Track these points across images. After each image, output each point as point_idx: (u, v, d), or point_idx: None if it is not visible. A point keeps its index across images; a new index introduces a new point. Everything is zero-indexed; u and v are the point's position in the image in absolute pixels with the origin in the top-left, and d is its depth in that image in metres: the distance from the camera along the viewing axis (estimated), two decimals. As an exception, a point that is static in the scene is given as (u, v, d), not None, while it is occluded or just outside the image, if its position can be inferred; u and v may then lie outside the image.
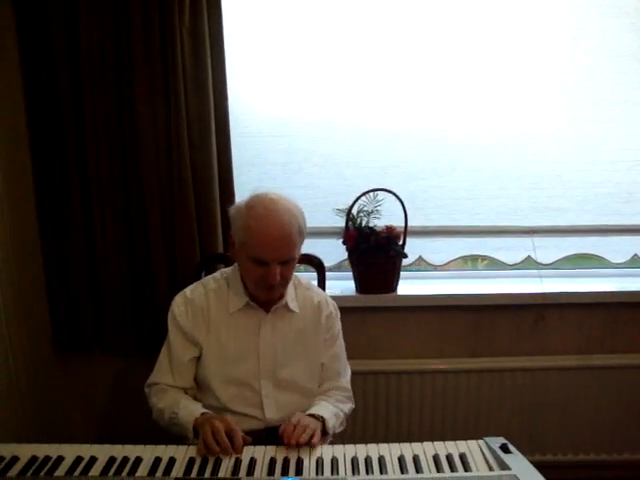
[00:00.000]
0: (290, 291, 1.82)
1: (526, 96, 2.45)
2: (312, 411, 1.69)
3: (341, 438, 2.46)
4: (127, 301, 2.37)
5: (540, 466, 2.42)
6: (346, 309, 2.38)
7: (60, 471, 1.40)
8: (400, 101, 2.46)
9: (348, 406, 1.88)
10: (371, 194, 2.37)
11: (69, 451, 1.48)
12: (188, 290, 1.83)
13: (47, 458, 1.46)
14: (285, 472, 1.37)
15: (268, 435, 1.71)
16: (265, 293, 1.72)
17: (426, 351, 2.52)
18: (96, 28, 2.15)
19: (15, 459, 1.45)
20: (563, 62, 2.43)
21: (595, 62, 2.42)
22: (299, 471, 1.37)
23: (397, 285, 2.46)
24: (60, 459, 1.45)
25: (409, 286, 2.52)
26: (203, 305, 1.78)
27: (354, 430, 2.51)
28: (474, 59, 2.43)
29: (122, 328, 2.39)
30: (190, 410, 1.65)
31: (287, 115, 2.46)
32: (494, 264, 2.65)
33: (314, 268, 2.20)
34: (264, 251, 1.62)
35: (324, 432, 1.66)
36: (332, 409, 1.76)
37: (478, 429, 2.52)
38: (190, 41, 2.16)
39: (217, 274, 1.88)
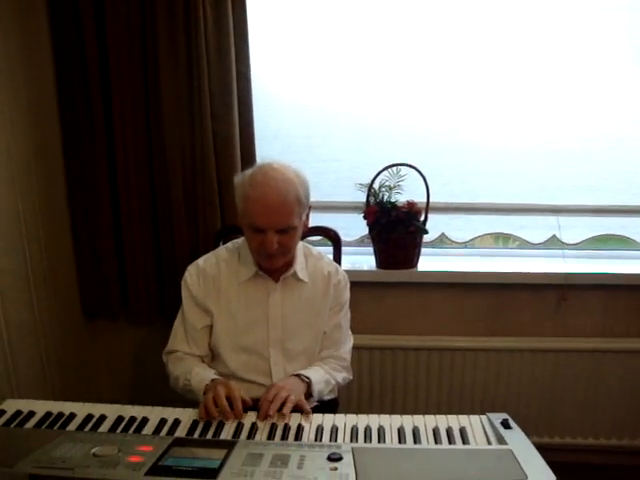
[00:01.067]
0: (300, 260, 1.83)
1: (555, 71, 2.38)
2: (301, 372, 1.72)
3: (353, 412, 2.49)
4: (150, 269, 2.43)
5: (559, 449, 2.45)
6: (365, 284, 2.41)
7: (71, 426, 1.46)
8: (425, 76, 2.42)
9: (342, 375, 1.88)
10: (393, 169, 2.36)
11: (81, 409, 1.54)
12: (201, 260, 1.86)
13: (60, 414, 1.51)
14: (285, 437, 1.39)
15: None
16: (266, 262, 1.73)
17: (445, 328, 2.51)
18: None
19: (31, 414, 1.52)
20: (594, 37, 2.35)
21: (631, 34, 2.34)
22: (298, 437, 1.39)
23: (417, 261, 2.45)
24: (72, 416, 1.51)
25: (431, 263, 2.51)
26: (215, 274, 1.81)
27: (371, 405, 2.54)
28: (505, 34, 2.37)
29: (146, 295, 2.46)
30: (201, 377, 1.69)
31: (311, 88, 2.46)
32: (523, 244, 2.60)
33: (330, 241, 2.20)
34: (259, 218, 1.63)
35: (309, 394, 1.68)
36: (323, 374, 1.77)
37: (495, 409, 2.47)
38: (213, 11, 2.17)
39: (230, 244, 1.90)
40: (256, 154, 2.33)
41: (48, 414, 1.51)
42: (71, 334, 2.46)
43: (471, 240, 2.59)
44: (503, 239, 2.68)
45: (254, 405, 1.54)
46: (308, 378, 1.69)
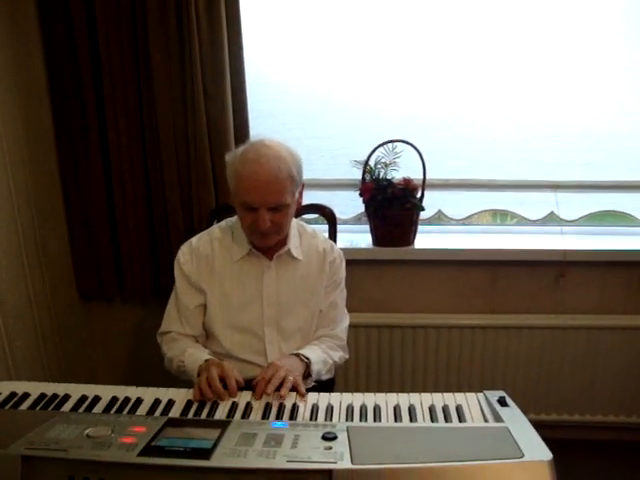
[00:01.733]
0: (294, 239, 1.81)
1: (552, 44, 2.34)
2: (300, 351, 1.71)
3: (350, 390, 2.48)
4: (145, 250, 2.43)
5: (556, 426, 2.46)
6: (362, 262, 2.40)
7: (65, 407, 1.45)
8: (420, 49, 2.39)
9: (339, 354, 1.87)
10: (389, 145, 2.34)
11: (75, 390, 1.53)
12: (194, 239, 1.84)
13: (54, 396, 1.50)
14: (280, 417, 1.38)
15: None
16: (259, 240, 1.71)
17: (443, 306, 2.50)
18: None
19: (26, 395, 1.51)
20: (592, 10, 2.31)
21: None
22: (293, 416, 1.38)
23: (414, 238, 2.44)
24: (66, 397, 1.50)
25: (428, 240, 2.49)
26: (208, 253, 1.79)
27: (368, 384, 2.54)
28: (501, 9, 2.33)
29: (140, 276, 2.46)
30: (195, 358, 1.67)
31: (305, 65, 2.42)
32: (521, 220, 2.58)
33: (325, 219, 2.18)
34: (252, 196, 1.61)
35: (308, 374, 1.67)
36: (321, 354, 1.76)
37: (494, 387, 2.45)
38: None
39: (223, 223, 1.88)
40: (250, 133, 2.30)
41: (42, 395, 1.50)
42: (67, 315, 2.46)
43: (468, 217, 2.57)
44: (501, 216, 2.66)
45: (248, 385, 1.53)
46: (307, 358, 1.67)
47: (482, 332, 2.46)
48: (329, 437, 1.18)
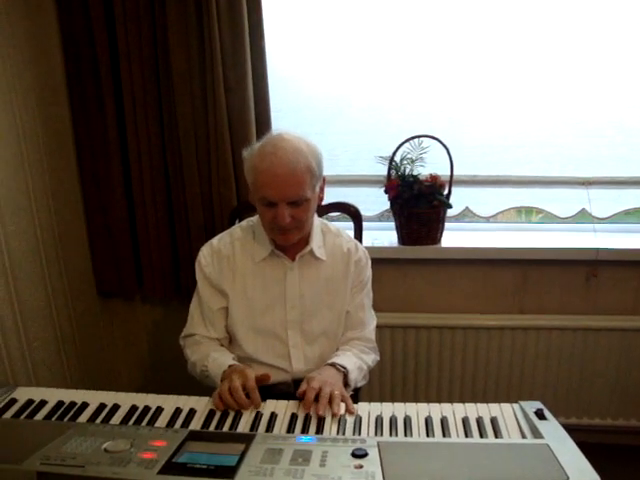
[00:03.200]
0: (317, 238, 1.75)
1: (587, 36, 2.25)
2: (335, 360, 1.63)
3: (375, 391, 2.46)
4: (165, 248, 2.38)
5: (587, 430, 2.38)
6: (387, 261, 2.34)
7: (83, 417, 1.40)
8: (447, 43, 2.31)
9: (372, 357, 1.81)
10: (416, 141, 2.26)
11: (93, 397, 1.48)
12: (215, 240, 1.78)
13: (72, 404, 1.46)
14: (305, 429, 1.32)
15: (296, 386, 1.65)
16: (279, 237, 1.65)
17: (470, 306, 2.43)
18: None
19: (43, 403, 1.47)
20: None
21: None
22: (320, 429, 1.32)
23: (441, 237, 2.37)
24: (84, 405, 1.45)
25: (454, 238, 2.42)
26: (229, 254, 1.73)
27: (392, 385, 2.48)
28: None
29: (161, 274, 2.42)
30: (219, 363, 1.62)
31: (329, 58, 2.36)
32: (547, 217, 2.50)
33: (350, 217, 2.12)
34: (270, 190, 1.55)
35: (345, 384, 1.60)
36: (355, 361, 1.69)
37: (522, 390, 2.44)
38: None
39: (244, 223, 1.82)
40: (272, 128, 2.23)
41: (60, 403, 1.46)
42: (86, 315, 2.42)
43: (494, 215, 2.48)
44: (526, 212, 2.58)
45: (267, 390, 1.49)
46: (345, 368, 1.61)
47: (511, 333, 2.38)
48: (359, 454, 1.13)
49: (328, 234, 1.80)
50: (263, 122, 2.22)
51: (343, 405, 1.42)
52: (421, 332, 2.41)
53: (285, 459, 1.12)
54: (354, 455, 1.12)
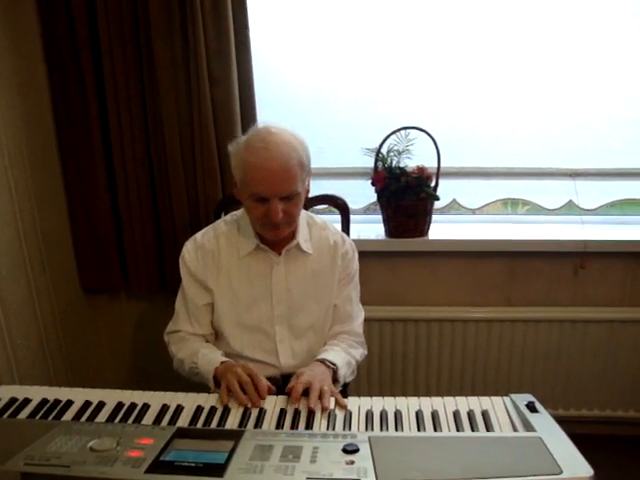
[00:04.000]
0: (303, 231, 1.73)
1: (572, 28, 2.23)
2: (325, 356, 1.62)
3: (363, 385, 2.45)
4: (150, 242, 2.35)
5: (575, 421, 2.38)
6: (375, 253, 2.33)
7: (68, 415, 1.38)
8: (433, 33, 2.28)
9: (360, 352, 1.80)
10: (402, 133, 2.24)
11: (78, 395, 1.46)
12: (199, 235, 1.75)
13: (56, 402, 1.43)
14: (295, 425, 1.30)
15: (284, 382, 1.63)
16: (270, 233, 1.62)
17: (458, 298, 2.42)
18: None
19: (27, 401, 1.44)
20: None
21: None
22: (309, 424, 1.30)
23: (429, 229, 2.35)
24: (69, 403, 1.43)
25: (442, 230, 2.41)
26: (213, 249, 1.71)
27: (381, 379, 2.47)
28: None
29: (146, 269, 2.39)
30: (209, 359, 1.60)
31: (314, 49, 2.32)
32: (534, 209, 2.49)
33: (338, 210, 2.10)
34: (263, 186, 1.52)
35: (334, 380, 1.59)
36: (344, 356, 1.68)
37: (511, 382, 2.43)
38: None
39: (228, 217, 1.79)
40: (257, 120, 2.20)
41: (44, 401, 1.43)
42: (70, 311, 2.39)
43: (481, 207, 2.47)
44: (512, 204, 2.57)
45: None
46: (334, 364, 1.59)
47: (499, 325, 2.38)
48: (350, 450, 1.11)
49: (314, 227, 1.78)
50: (248, 115, 2.18)
51: (333, 400, 1.41)
52: (409, 325, 2.39)
53: (275, 455, 1.10)
54: (345, 451, 1.11)
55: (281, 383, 1.64)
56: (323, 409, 1.36)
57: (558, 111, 2.31)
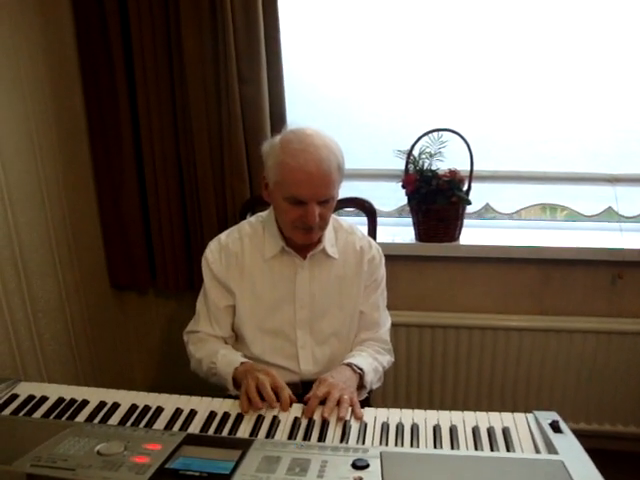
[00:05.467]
0: (329, 235, 1.69)
1: (611, 27, 2.14)
2: (352, 360, 1.58)
3: (389, 392, 2.39)
4: (178, 241, 2.34)
5: (607, 437, 2.29)
6: (403, 257, 2.29)
7: (81, 417, 1.37)
8: (469, 34, 2.22)
9: (387, 359, 1.75)
10: (435, 134, 2.19)
11: (94, 395, 1.45)
12: (223, 235, 1.73)
13: (72, 401, 1.43)
14: (308, 436, 1.26)
15: (305, 389, 1.60)
16: (303, 236, 1.58)
17: (489, 305, 2.35)
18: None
19: (44, 399, 1.44)
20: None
21: None
22: (322, 435, 1.26)
23: (460, 234, 2.30)
24: (84, 403, 1.42)
25: (474, 235, 2.34)
26: (237, 251, 1.68)
27: (407, 386, 2.43)
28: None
29: (174, 268, 2.38)
30: (229, 360, 1.57)
31: (346, 48, 2.29)
32: (570, 215, 2.41)
33: (365, 213, 2.05)
34: (301, 189, 1.48)
35: (361, 385, 1.55)
36: (371, 362, 1.63)
37: (540, 395, 2.36)
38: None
39: (253, 218, 1.76)
40: (287, 120, 2.17)
41: (60, 400, 1.44)
42: (98, 308, 2.40)
43: (517, 212, 2.40)
44: (550, 210, 2.48)
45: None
46: (360, 369, 1.56)
47: (530, 335, 2.30)
48: (360, 465, 1.07)
49: (340, 231, 1.74)
50: (278, 115, 2.16)
51: (350, 409, 1.37)
52: (437, 331, 2.34)
53: (282, 468, 1.07)
54: (354, 466, 1.07)
55: (301, 389, 1.62)
56: (339, 418, 1.33)
57: (596, 113, 2.23)
